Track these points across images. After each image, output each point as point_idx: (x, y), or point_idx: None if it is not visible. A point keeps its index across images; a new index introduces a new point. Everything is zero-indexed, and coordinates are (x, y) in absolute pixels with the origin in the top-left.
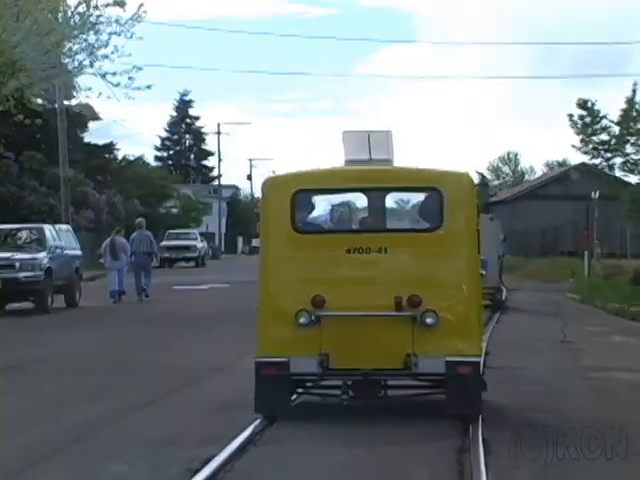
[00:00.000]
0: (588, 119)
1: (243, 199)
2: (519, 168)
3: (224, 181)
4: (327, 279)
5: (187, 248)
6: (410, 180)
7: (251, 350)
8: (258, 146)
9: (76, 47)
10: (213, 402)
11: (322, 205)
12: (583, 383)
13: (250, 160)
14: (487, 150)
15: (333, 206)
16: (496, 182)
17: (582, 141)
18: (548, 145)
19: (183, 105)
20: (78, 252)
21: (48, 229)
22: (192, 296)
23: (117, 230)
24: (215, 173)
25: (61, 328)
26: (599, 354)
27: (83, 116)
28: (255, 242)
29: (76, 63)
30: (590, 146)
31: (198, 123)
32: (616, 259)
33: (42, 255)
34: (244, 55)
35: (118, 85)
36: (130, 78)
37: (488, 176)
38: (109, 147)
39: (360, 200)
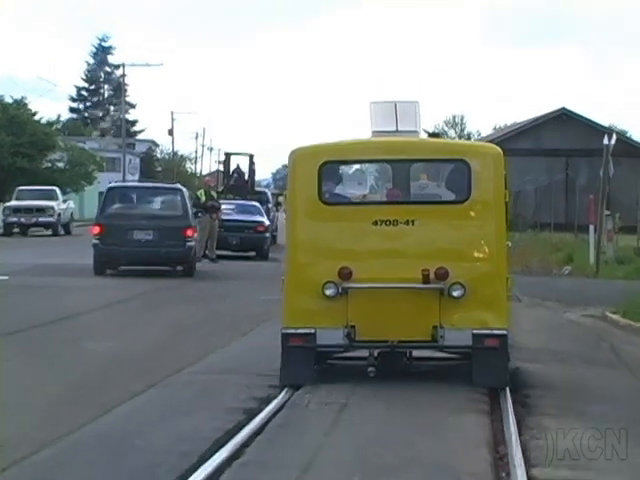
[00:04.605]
0: None
1: (161, 155)
2: (465, 132)
3: (142, 136)
4: (354, 251)
5: (41, 210)
6: (438, 151)
7: None
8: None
9: None
10: None
11: (349, 176)
12: None
13: (172, 113)
14: (431, 113)
15: (360, 177)
16: None
17: None
18: (495, 109)
19: (102, 51)
20: None
21: None
22: None
23: None
24: (137, 128)
25: None
26: None
27: None
28: None
29: None
30: None
31: (120, 72)
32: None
33: None
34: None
35: None
36: None
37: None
38: None
39: (387, 171)
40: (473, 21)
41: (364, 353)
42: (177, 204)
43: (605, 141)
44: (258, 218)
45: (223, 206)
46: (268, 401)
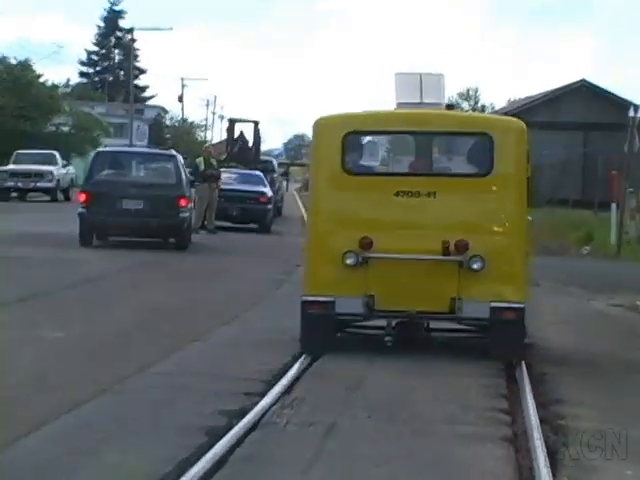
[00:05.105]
0: None
1: (171, 122)
2: (479, 105)
3: (152, 102)
4: (375, 221)
5: (39, 175)
6: (461, 124)
7: None
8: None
9: None
10: None
11: (373, 147)
12: None
13: (182, 79)
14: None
15: (384, 148)
16: None
17: None
18: (510, 82)
19: (113, 16)
20: None
21: None
22: None
23: None
24: (148, 94)
25: None
26: None
27: None
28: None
29: None
30: None
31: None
32: None
33: None
34: None
35: None
36: None
37: None
38: None
39: (410, 143)
40: None
41: (382, 322)
42: (170, 172)
43: (631, 113)
44: (260, 188)
45: (224, 175)
46: (242, 414)
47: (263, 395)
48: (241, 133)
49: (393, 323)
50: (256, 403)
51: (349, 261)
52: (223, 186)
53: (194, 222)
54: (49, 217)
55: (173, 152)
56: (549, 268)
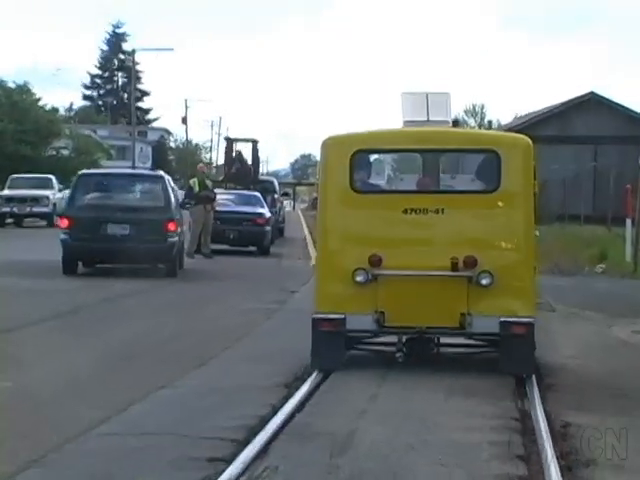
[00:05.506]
0: None
1: (175, 144)
2: (485, 121)
3: (156, 124)
4: (384, 239)
5: (35, 200)
6: (468, 142)
7: None
8: (196, 88)
9: None
10: None
11: (380, 165)
12: None
13: (185, 101)
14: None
15: (391, 166)
16: None
17: None
18: (515, 97)
19: (115, 39)
20: None
21: None
22: None
23: None
24: (152, 116)
25: None
26: None
27: None
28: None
29: None
30: None
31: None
32: None
33: None
34: None
35: None
36: None
37: None
38: None
39: (418, 160)
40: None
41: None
42: (158, 194)
43: None
44: (258, 210)
45: (221, 196)
46: None
47: (230, 461)
48: (239, 153)
49: (404, 339)
50: (220, 473)
51: (359, 278)
52: (219, 208)
53: (188, 246)
54: (43, 244)
55: (161, 173)
56: (563, 290)
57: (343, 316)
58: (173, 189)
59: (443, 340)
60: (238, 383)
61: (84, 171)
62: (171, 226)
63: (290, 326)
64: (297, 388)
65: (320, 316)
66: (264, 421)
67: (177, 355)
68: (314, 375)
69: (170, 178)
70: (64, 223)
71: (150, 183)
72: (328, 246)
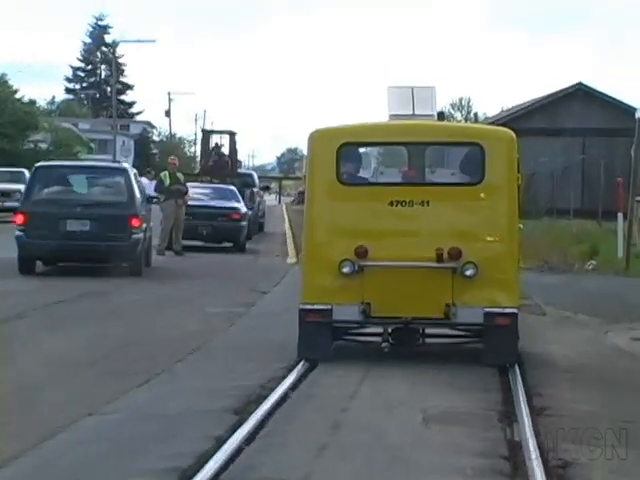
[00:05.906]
0: None
1: (158, 138)
2: (472, 115)
3: (139, 118)
4: (370, 230)
5: (6, 194)
6: (453, 135)
7: None
8: (181, 82)
9: None
10: None
11: (366, 158)
12: None
13: (169, 93)
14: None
15: (377, 159)
16: None
17: None
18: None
19: (98, 31)
20: None
21: None
22: None
23: None
24: (135, 109)
25: None
26: None
27: None
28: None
29: None
30: None
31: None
32: None
33: None
34: None
35: None
36: None
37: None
38: None
39: (403, 153)
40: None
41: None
42: (121, 188)
43: (638, 114)
44: (233, 204)
45: (195, 190)
46: None
47: None
48: (216, 145)
49: (389, 329)
50: None
51: (345, 270)
52: (192, 202)
53: (159, 243)
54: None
55: (125, 165)
56: (553, 289)
57: (330, 307)
58: (138, 182)
59: (428, 331)
60: (182, 407)
61: (41, 163)
62: (135, 222)
63: (254, 334)
64: (250, 413)
65: (307, 307)
66: (202, 461)
67: (121, 369)
68: (271, 398)
69: (136, 171)
70: (19, 219)
71: (113, 176)
72: (315, 238)
